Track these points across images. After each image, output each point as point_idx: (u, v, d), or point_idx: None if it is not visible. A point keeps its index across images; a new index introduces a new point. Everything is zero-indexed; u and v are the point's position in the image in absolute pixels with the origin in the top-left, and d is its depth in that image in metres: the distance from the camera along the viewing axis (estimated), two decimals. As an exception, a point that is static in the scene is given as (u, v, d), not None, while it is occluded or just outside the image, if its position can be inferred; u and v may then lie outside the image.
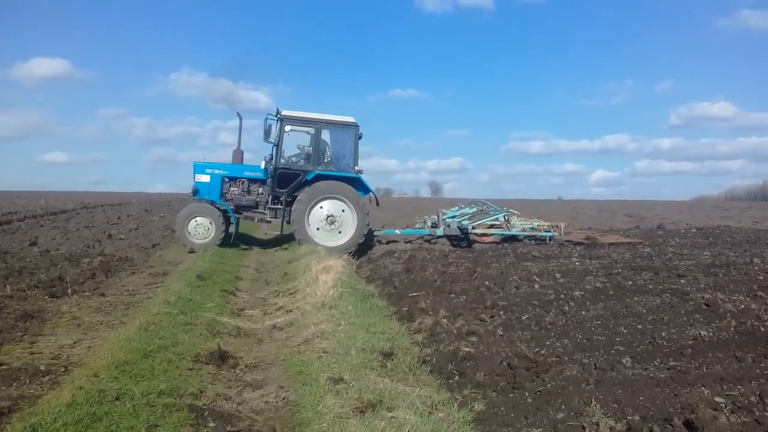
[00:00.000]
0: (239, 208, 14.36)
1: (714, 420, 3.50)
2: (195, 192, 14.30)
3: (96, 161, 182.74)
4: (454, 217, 15.53)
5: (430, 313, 6.91)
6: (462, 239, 15.20)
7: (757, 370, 4.39)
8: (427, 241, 15.26)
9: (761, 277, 7.80)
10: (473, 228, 14.80)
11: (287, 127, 13.95)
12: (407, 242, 15.03)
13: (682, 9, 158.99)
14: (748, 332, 5.25)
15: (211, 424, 4.06)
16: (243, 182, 14.50)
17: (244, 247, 14.67)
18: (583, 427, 3.71)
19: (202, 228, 13.61)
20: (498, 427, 3.89)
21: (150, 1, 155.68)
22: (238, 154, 14.96)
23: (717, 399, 3.90)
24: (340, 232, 13.85)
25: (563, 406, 4.03)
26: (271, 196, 14.08)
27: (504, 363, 5.00)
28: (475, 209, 16.31)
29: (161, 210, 29.85)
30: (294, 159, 14.46)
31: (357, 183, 14.08)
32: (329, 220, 13.76)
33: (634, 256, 10.85)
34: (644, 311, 6.24)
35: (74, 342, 6.03)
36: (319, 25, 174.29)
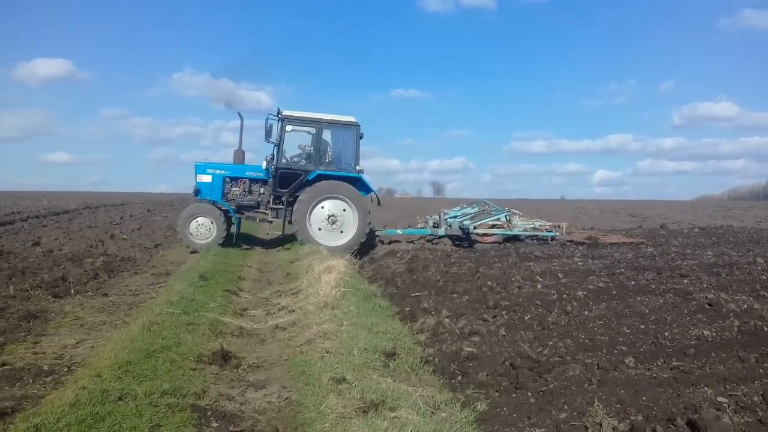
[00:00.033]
0: (241, 208, 14.36)
1: (717, 420, 3.50)
2: (196, 192, 14.31)
3: (99, 161, 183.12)
4: (455, 217, 15.53)
5: (433, 313, 6.91)
6: (463, 239, 15.20)
7: (760, 370, 4.38)
8: (429, 241, 15.25)
9: (764, 277, 7.79)
10: (474, 228, 14.80)
11: (288, 127, 13.95)
12: (409, 242, 15.03)
13: (683, 9, 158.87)
14: (751, 332, 5.25)
15: (214, 424, 4.07)
16: (244, 182, 14.50)
17: (246, 247, 14.68)
18: (586, 427, 3.70)
19: (203, 228, 13.62)
20: (501, 427, 3.89)
21: (152, 1, 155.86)
22: (240, 154, 14.97)
23: (720, 399, 3.89)
24: (341, 232, 13.85)
25: (566, 406, 4.02)
26: (272, 196, 14.09)
27: (507, 363, 4.99)
28: (476, 209, 16.31)
29: (164, 210, 29.89)
30: (295, 159, 14.47)
31: (358, 183, 14.08)
32: (330, 219, 13.76)
33: (636, 256, 10.84)
34: (647, 311, 6.23)
35: (77, 342, 6.04)
36: (321, 25, 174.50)
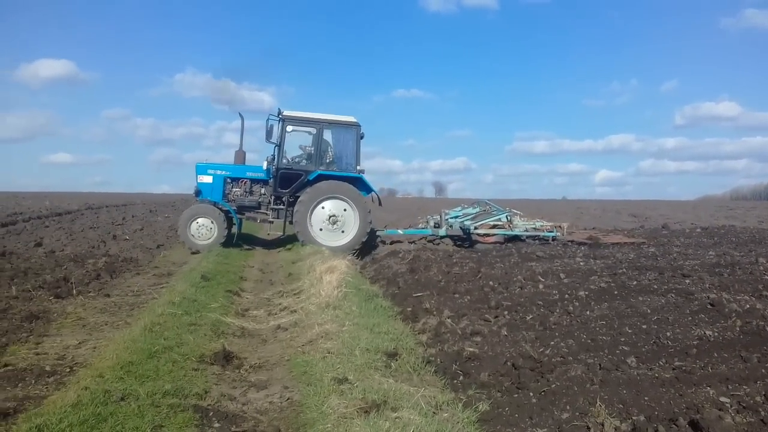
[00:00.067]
0: (242, 209, 14.37)
1: (719, 420, 3.49)
2: (197, 193, 14.32)
3: (101, 162, 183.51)
4: (456, 217, 15.54)
5: (435, 313, 6.91)
6: (464, 239, 15.20)
7: (763, 370, 4.37)
8: (430, 241, 15.25)
9: (767, 277, 7.78)
10: (475, 228, 14.81)
11: (289, 128, 13.97)
12: (411, 242, 15.04)
13: (685, 8, 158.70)
14: (753, 332, 5.24)
15: (216, 425, 4.07)
16: (245, 183, 14.52)
17: (247, 247, 14.69)
18: (588, 428, 3.70)
19: (204, 229, 13.63)
20: (502, 427, 3.89)
21: (154, 2, 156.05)
22: (240, 155, 14.98)
23: (722, 399, 3.89)
24: (343, 232, 13.86)
25: (568, 407, 4.02)
26: (273, 197, 14.11)
27: (508, 363, 4.99)
28: (477, 209, 16.31)
29: (166, 210, 29.92)
30: (296, 159, 14.49)
31: (359, 183, 14.09)
32: (331, 220, 13.77)
33: (638, 256, 10.83)
34: (649, 311, 6.23)
35: (79, 343, 6.05)
36: (323, 26, 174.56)
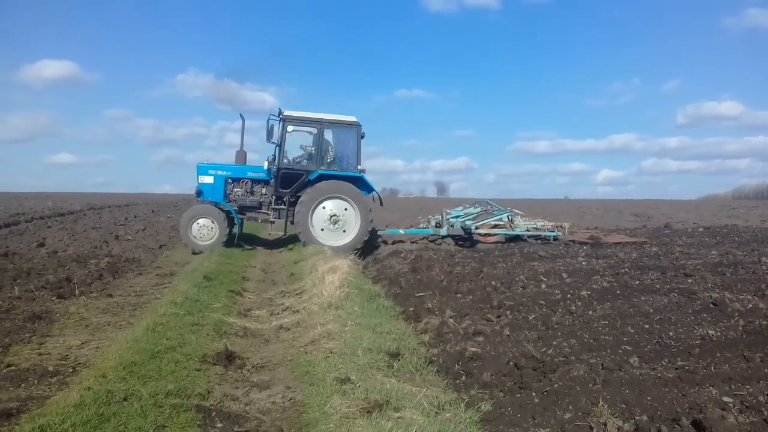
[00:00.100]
0: (243, 209, 14.38)
1: (722, 420, 3.49)
2: (199, 193, 14.35)
3: (103, 162, 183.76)
4: (458, 217, 15.54)
5: (437, 313, 6.91)
6: (465, 239, 15.21)
7: (766, 370, 4.36)
8: (432, 241, 15.27)
9: (769, 276, 7.75)
10: (476, 228, 14.81)
11: (289, 128, 13.98)
12: (413, 242, 15.04)
13: (687, 8, 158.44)
14: (756, 332, 5.23)
15: (219, 425, 4.07)
16: (246, 183, 14.53)
17: (249, 247, 14.70)
18: (591, 428, 3.70)
19: (205, 229, 13.65)
20: (505, 427, 3.89)
21: (155, 3, 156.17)
22: (241, 155, 15.00)
23: (725, 399, 3.88)
24: (344, 231, 13.88)
25: (570, 407, 4.02)
26: (274, 197, 14.13)
27: (511, 363, 4.99)
28: (479, 209, 16.31)
29: (168, 211, 29.94)
30: (297, 159, 14.50)
31: (360, 182, 14.11)
32: (333, 219, 13.79)
33: (641, 256, 10.81)
34: (651, 311, 6.22)
35: (82, 343, 6.06)
36: (324, 26, 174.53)
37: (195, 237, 13.60)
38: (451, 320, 6.50)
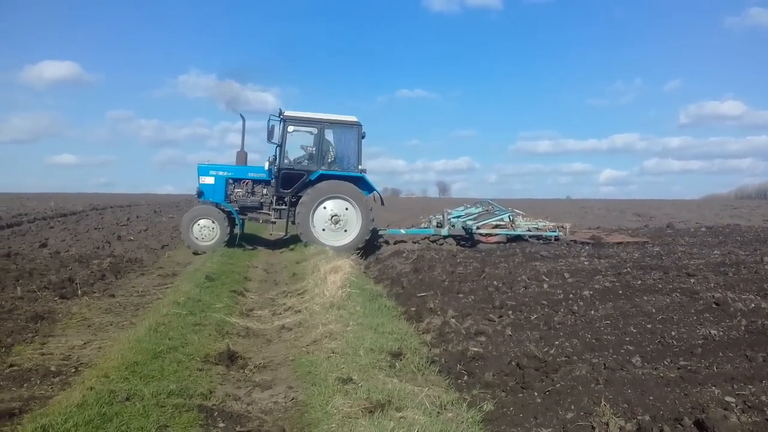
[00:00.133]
0: (244, 210, 14.40)
1: (725, 420, 3.48)
2: (200, 194, 14.36)
3: (105, 163, 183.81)
4: (459, 217, 15.55)
5: (439, 313, 6.91)
6: (466, 239, 15.22)
7: (769, 370, 4.36)
8: (433, 241, 15.27)
9: (772, 276, 7.74)
10: (477, 228, 14.82)
11: (290, 128, 14.00)
12: (415, 242, 15.05)
13: (690, 7, 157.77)
14: (758, 331, 5.22)
15: (221, 425, 4.08)
16: (247, 183, 14.54)
17: (250, 247, 14.71)
18: (593, 427, 3.69)
19: (206, 230, 13.66)
20: (507, 427, 3.88)
21: (157, 3, 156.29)
22: (242, 156, 15.02)
23: (728, 399, 3.87)
24: (345, 231, 13.90)
25: (572, 406, 4.01)
26: (275, 197, 14.15)
27: (513, 363, 4.98)
28: (480, 209, 16.31)
29: (170, 211, 30.00)
30: (298, 159, 14.52)
31: (361, 182, 14.13)
32: (334, 219, 13.81)
33: (643, 256, 10.81)
34: (654, 311, 6.21)
35: (84, 343, 6.07)
36: (326, 26, 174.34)
37: (196, 238, 13.62)
38: (453, 320, 6.50)
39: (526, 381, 4.59)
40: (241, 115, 15.12)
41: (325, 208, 13.79)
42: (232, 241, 14.01)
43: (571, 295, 7.17)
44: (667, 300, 6.65)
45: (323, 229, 13.77)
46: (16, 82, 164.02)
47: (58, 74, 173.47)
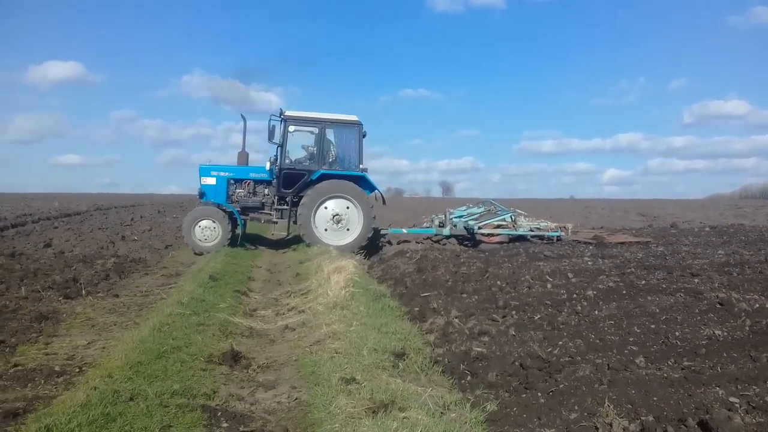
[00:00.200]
0: (245, 210, 14.42)
1: (729, 420, 3.47)
2: (201, 195, 14.39)
3: (109, 163, 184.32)
4: (461, 216, 15.55)
5: (442, 313, 6.90)
6: (468, 239, 15.21)
7: (773, 370, 4.35)
8: (436, 241, 15.27)
9: (776, 276, 7.72)
10: (479, 228, 14.82)
11: (291, 128, 14.02)
12: (418, 242, 15.05)
13: (694, 6, 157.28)
14: (763, 331, 5.20)
15: (224, 425, 4.08)
16: (248, 184, 14.56)
17: (253, 248, 14.73)
18: (597, 428, 3.69)
19: (208, 231, 13.68)
20: (510, 427, 3.88)
21: (161, 4, 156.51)
22: (243, 156, 15.04)
23: (732, 399, 3.86)
24: (347, 230, 13.92)
25: (576, 407, 4.01)
26: (276, 197, 14.16)
27: (516, 363, 4.98)
28: (482, 209, 16.31)
29: (174, 211, 30.06)
30: (299, 159, 14.53)
31: (362, 181, 14.14)
32: (335, 219, 13.82)
33: (647, 255, 10.78)
34: (658, 311, 6.20)
35: (88, 343, 6.08)
36: (329, 26, 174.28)
37: (198, 238, 13.64)
38: (457, 320, 6.49)
39: (529, 381, 4.59)
40: (242, 116, 15.14)
41: (326, 207, 13.80)
42: (234, 242, 14.02)
43: (574, 295, 7.16)
44: (671, 300, 6.64)
45: (325, 229, 13.79)
46: (21, 82, 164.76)
47: (62, 74, 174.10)
